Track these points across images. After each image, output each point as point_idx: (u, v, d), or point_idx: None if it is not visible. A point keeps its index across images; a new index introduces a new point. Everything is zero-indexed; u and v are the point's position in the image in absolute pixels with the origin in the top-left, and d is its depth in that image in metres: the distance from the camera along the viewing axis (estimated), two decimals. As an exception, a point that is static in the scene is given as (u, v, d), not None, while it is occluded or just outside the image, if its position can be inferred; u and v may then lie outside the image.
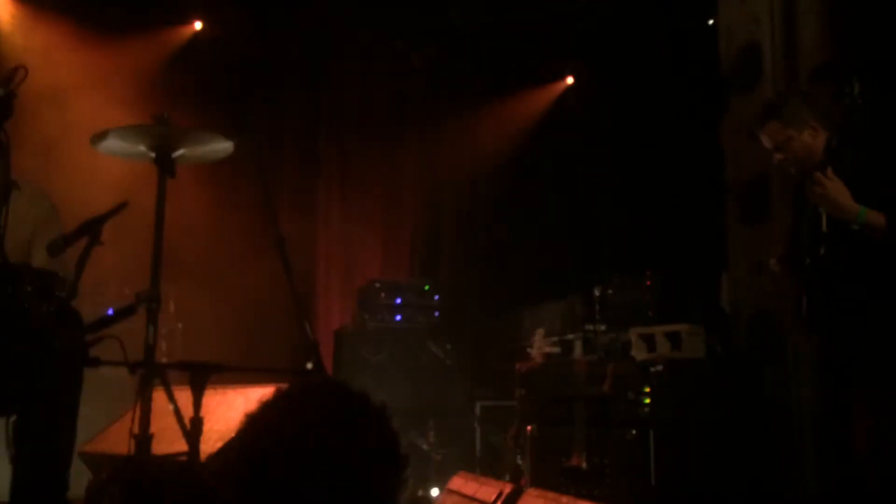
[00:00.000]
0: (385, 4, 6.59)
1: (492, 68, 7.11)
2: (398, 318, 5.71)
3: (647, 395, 4.09)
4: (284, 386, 1.61)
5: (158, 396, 2.75)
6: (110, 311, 4.51)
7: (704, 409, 4.27)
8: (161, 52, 6.07)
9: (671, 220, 6.04)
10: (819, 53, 4.75)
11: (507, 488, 2.96)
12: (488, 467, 5.04)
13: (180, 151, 2.84)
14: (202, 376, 2.56)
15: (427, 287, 5.87)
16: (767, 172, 4.77)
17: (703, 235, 5.60)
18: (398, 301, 5.72)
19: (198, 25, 6.51)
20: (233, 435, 3.16)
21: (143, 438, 2.56)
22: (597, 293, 5.01)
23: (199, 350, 4.63)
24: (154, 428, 2.70)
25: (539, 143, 7.14)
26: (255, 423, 1.43)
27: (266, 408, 1.44)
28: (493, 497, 2.94)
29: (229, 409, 3.43)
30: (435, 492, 4.80)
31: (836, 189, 2.68)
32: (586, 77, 7.17)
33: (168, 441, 2.86)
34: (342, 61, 6.78)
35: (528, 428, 4.13)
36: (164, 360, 3.59)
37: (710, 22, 5.67)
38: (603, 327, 4.95)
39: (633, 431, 3.95)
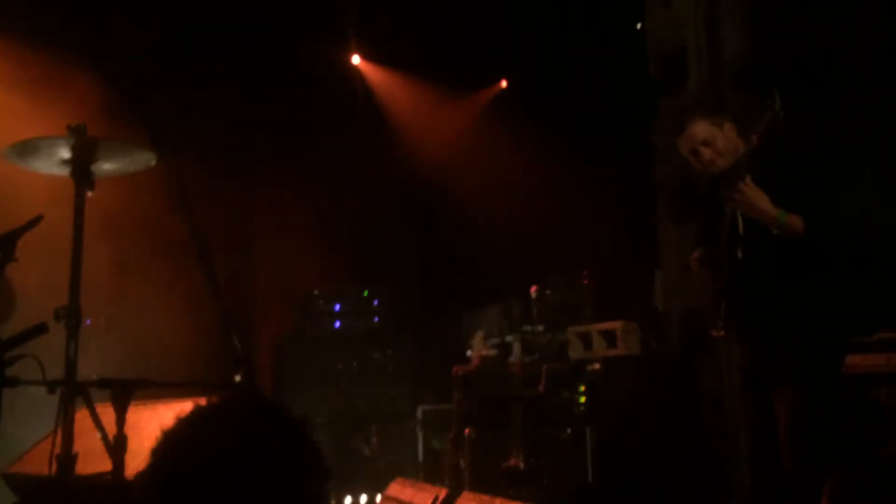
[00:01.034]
0: (321, 9, 6.54)
1: (424, 73, 7.14)
2: (338, 324, 5.68)
3: (582, 393, 4.15)
4: (201, 401, 1.59)
5: (85, 415, 2.68)
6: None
7: (640, 404, 4.36)
8: (75, 59, 5.88)
9: (605, 221, 6.14)
10: (740, 58, 4.90)
11: (443, 493, 2.97)
12: (431, 472, 5.05)
13: (99, 163, 2.76)
14: (125, 393, 2.49)
15: (366, 293, 5.85)
16: (694, 172, 4.89)
17: (637, 235, 5.71)
18: (337, 308, 5.69)
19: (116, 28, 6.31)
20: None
21: (66, 459, 2.48)
22: (534, 294, 5.06)
23: (132, 365, 4.52)
24: (80, 447, 2.62)
25: (474, 145, 7.18)
26: (169, 440, 1.40)
27: (181, 424, 1.41)
28: (430, 501, 2.94)
29: (161, 425, 3.35)
30: (378, 498, 4.78)
31: (756, 196, 2.76)
32: (520, 80, 7.24)
33: (94, 460, 2.78)
34: (275, 64, 6.70)
35: (466, 431, 4.15)
36: (93, 376, 3.48)
37: (638, 26, 5.78)
38: (541, 328, 5.01)
39: (569, 430, 4.00)
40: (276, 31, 6.54)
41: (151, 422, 3.39)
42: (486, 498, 2.77)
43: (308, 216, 7.07)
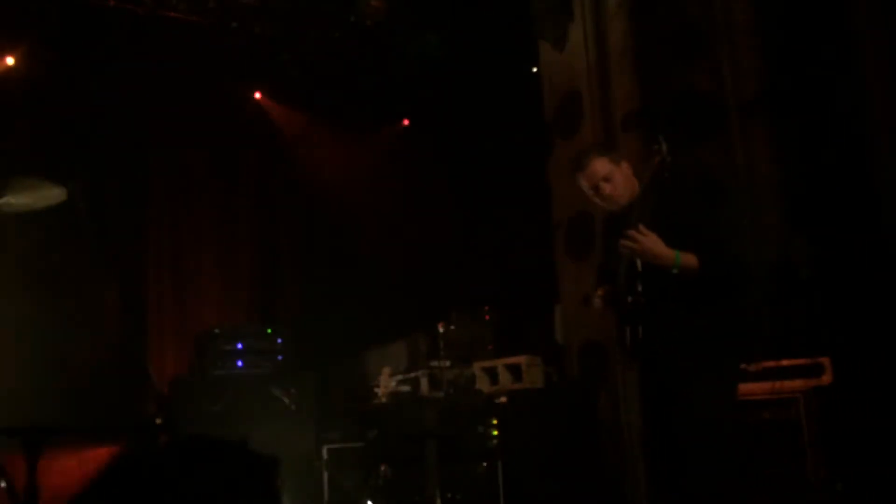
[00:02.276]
0: (218, 48, 6.48)
1: (327, 112, 7.17)
2: (240, 363, 5.52)
3: (495, 426, 4.23)
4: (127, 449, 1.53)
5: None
6: None
7: (545, 435, 4.48)
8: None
9: (507, 257, 6.32)
10: (630, 102, 5.21)
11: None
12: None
13: (4, 199, 2.64)
14: (37, 442, 2.37)
15: (269, 331, 5.72)
16: (590, 210, 5.14)
17: (537, 271, 5.90)
18: (239, 346, 5.53)
19: (10, 61, 6.05)
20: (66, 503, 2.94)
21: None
22: (440, 330, 5.13)
23: (20, 412, 4.23)
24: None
25: (377, 184, 7.24)
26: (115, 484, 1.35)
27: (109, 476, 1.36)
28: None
29: (62, 475, 3.18)
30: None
31: (650, 241, 2.93)
32: (421, 121, 7.39)
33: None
34: (173, 102, 6.55)
35: (382, 468, 4.14)
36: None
37: (535, 70, 6.04)
38: (447, 363, 5.08)
39: (484, 464, 4.06)
40: (177, 64, 6.42)
41: (51, 472, 3.21)
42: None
43: (205, 251, 6.90)
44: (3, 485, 2.36)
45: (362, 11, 6.37)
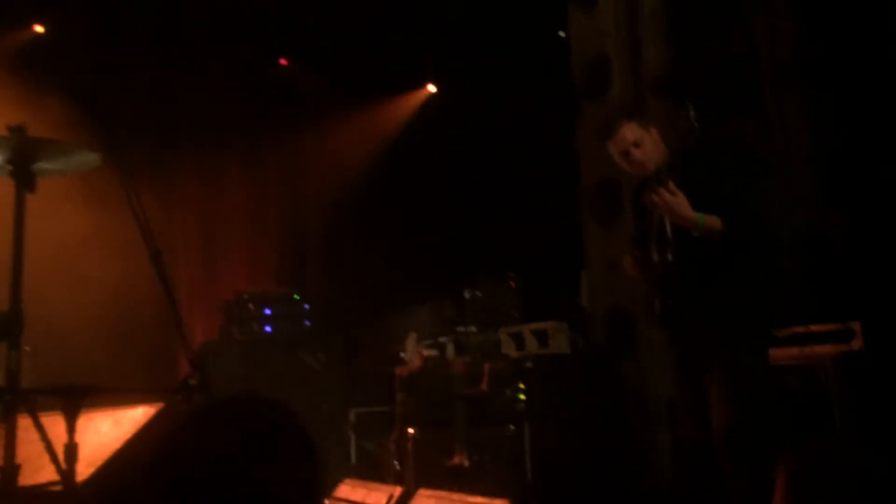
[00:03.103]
0: (240, 16, 6.46)
1: (352, 78, 7.13)
2: (268, 328, 5.60)
3: (522, 391, 4.26)
4: (150, 409, 1.56)
5: (21, 424, 2.58)
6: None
7: (571, 401, 4.50)
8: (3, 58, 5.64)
9: (533, 222, 6.30)
10: (661, 66, 5.13)
11: (397, 491, 3.00)
12: (365, 475, 5.05)
13: (40, 164, 2.68)
14: (75, 401, 2.43)
15: (296, 297, 5.79)
16: (618, 176, 5.10)
17: (563, 236, 5.88)
18: (267, 312, 5.61)
19: (39, 29, 6.09)
20: (104, 460, 3.01)
21: (10, 470, 2.40)
22: (467, 296, 5.15)
23: (61, 370, 4.34)
24: (18, 458, 2.53)
25: (403, 149, 7.23)
26: (172, 446, 1.39)
27: (183, 430, 1.40)
28: (385, 501, 2.96)
29: (96, 433, 3.25)
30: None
31: (677, 201, 2.92)
32: (447, 85, 7.33)
33: (32, 471, 2.69)
34: (198, 71, 6.57)
35: (410, 431, 4.19)
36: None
37: (561, 34, 5.96)
38: (473, 328, 5.10)
39: (512, 427, 4.10)
40: (200, 31, 6.42)
41: (86, 431, 3.28)
42: (443, 494, 2.82)
43: (233, 218, 6.96)
44: (45, 443, 2.42)
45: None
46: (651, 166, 3.17)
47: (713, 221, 2.94)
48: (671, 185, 2.96)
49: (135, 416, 3.18)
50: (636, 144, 3.15)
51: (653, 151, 3.17)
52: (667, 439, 4.47)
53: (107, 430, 3.26)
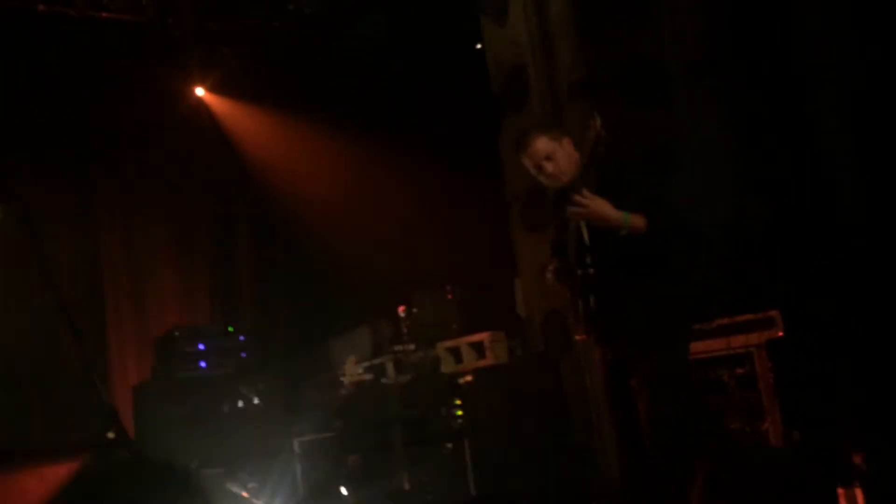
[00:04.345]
0: (156, 46, 6.36)
1: (272, 102, 7.07)
2: (203, 364, 5.48)
3: (459, 407, 4.26)
4: (83, 467, 1.52)
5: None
6: None
7: (512, 410, 4.52)
8: None
9: (466, 235, 6.32)
10: (575, 72, 5.22)
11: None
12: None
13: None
14: (-14, 466, 2.33)
15: (231, 329, 5.68)
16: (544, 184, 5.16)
17: (496, 246, 5.92)
18: (201, 347, 5.49)
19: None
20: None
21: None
22: (402, 313, 5.14)
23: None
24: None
25: (327, 170, 7.17)
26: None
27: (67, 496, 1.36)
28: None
29: (21, 495, 3.14)
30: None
31: (598, 204, 2.97)
32: (368, 103, 7.32)
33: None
34: (114, 104, 6.42)
35: (351, 458, 4.15)
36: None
37: (479, 46, 6.01)
38: (412, 346, 5.09)
39: (449, 445, 4.09)
40: (114, 65, 6.29)
41: (10, 495, 3.17)
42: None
43: (161, 253, 6.81)
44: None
45: (299, 1, 6.29)
46: (565, 179, 3.21)
47: (637, 220, 2.99)
48: (585, 192, 3.00)
49: (59, 473, 3.08)
50: (548, 158, 3.19)
51: (565, 163, 3.21)
52: (611, 437, 4.53)
53: (33, 489, 3.14)
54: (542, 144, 3.21)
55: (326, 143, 7.36)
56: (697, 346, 3.84)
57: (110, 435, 2.42)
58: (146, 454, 2.45)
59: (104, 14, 6.08)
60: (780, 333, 3.81)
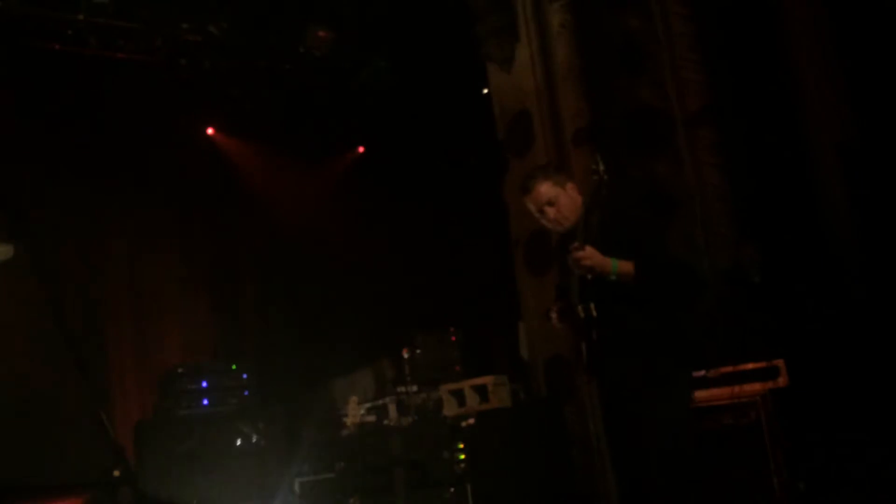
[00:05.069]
0: (167, 86, 6.47)
1: (282, 143, 7.16)
2: (205, 402, 5.46)
3: (461, 451, 4.24)
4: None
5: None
6: None
7: (514, 454, 4.50)
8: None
9: (469, 277, 6.35)
10: (579, 118, 5.30)
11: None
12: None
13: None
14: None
15: (234, 367, 5.67)
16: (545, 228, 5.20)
17: (499, 289, 5.94)
18: (204, 384, 5.48)
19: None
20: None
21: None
22: (405, 355, 5.14)
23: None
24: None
25: (334, 212, 7.24)
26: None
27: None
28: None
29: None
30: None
31: (587, 253, 3.01)
32: (376, 147, 7.42)
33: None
34: (124, 142, 6.51)
35: (352, 500, 4.12)
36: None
37: (485, 91, 6.11)
38: (414, 388, 5.08)
39: (452, 489, 4.07)
40: (126, 104, 6.40)
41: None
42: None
43: (165, 291, 6.83)
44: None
45: (310, 42, 6.41)
46: (567, 224, 3.26)
47: (625, 266, 3.03)
48: (576, 243, 3.05)
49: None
50: (550, 203, 3.25)
51: (568, 209, 3.26)
52: (613, 482, 4.49)
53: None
54: (545, 189, 3.26)
55: (332, 185, 7.45)
56: (702, 395, 3.85)
57: (116, 473, 2.43)
58: (148, 492, 2.45)
59: (119, 55, 6.20)
60: (785, 382, 3.81)
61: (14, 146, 5.72)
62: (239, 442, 5.38)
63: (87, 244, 6.49)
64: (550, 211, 3.23)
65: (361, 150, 7.56)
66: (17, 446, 4.63)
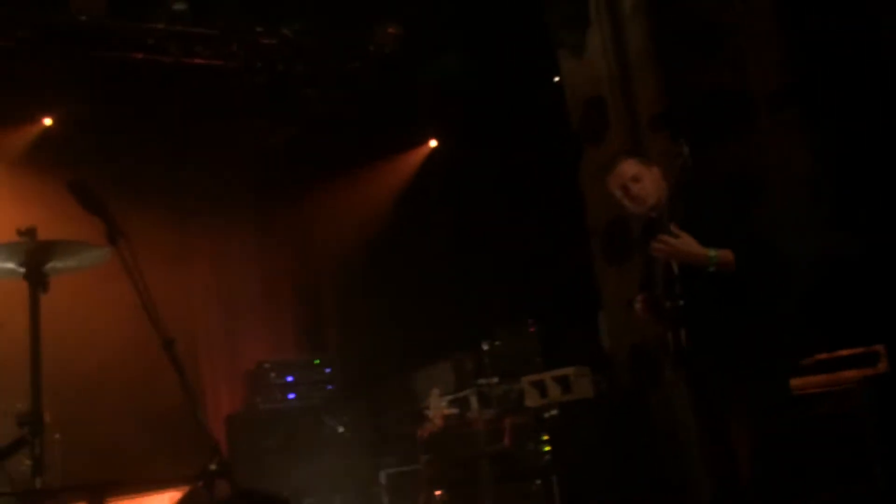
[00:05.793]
0: (239, 87, 6.63)
1: (355, 138, 7.24)
2: (291, 396, 5.61)
3: (546, 442, 4.21)
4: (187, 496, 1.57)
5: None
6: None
7: (599, 446, 4.45)
8: (11, 154, 5.84)
9: (545, 268, 6.30)
10: (655, 103, 5.18)
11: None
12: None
13: (51, 264, 2.74)
14: (100, 496, 2.45)
15: (317, 361, 5.81)
16: (626, 215, 5.11)
17: (578, 279, 5.87)
18: (290, 379, 5.63)
19: (47, 122, 6.29)
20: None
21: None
22: (485, 347, 5.14)
23: (82, 461, 4.37)
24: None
25: (410, 205, 7.30)
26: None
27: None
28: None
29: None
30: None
31: (683, 242, 2.92)
32: (449, 139, 7.43)
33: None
34: (206, 145, 6.71)
35: (437, 493, 4.16)
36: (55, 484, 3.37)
37: (556, 79, 6.03)
38: (495, 379, 5.08)
39: (538, 482, 4.05)
40: (199, 107, 6.58)
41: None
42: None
43: (248, 289, 7.02)
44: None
45: (379, 39, 6.46)
46: (650, 202, 3.17)
47: (725, 255, 2.93)
48: (673, 227, 2.96)
49: (161, 502, 3.21)
50: (635, 179, 3.17)
51: (652, 187, 3.17)
52: (703, 475, 4.39)
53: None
54: (629, 166, 3.20)
55: (407, 179, 7.50)
56: (797, 382, 3.72)
57: (212, 466, 2.51)
58: (241, 484, 2.52)
59: (197, 60, 6.39)
60: (885, 368, 3.64)
61: (104, 153, 5.97)
62: (325, 435, 5.50)
63: (174, 248, 6.73)
64: (634, 187, 3.14)
65: (434, 143, 7.57)
66: (119, 444, 4.88)
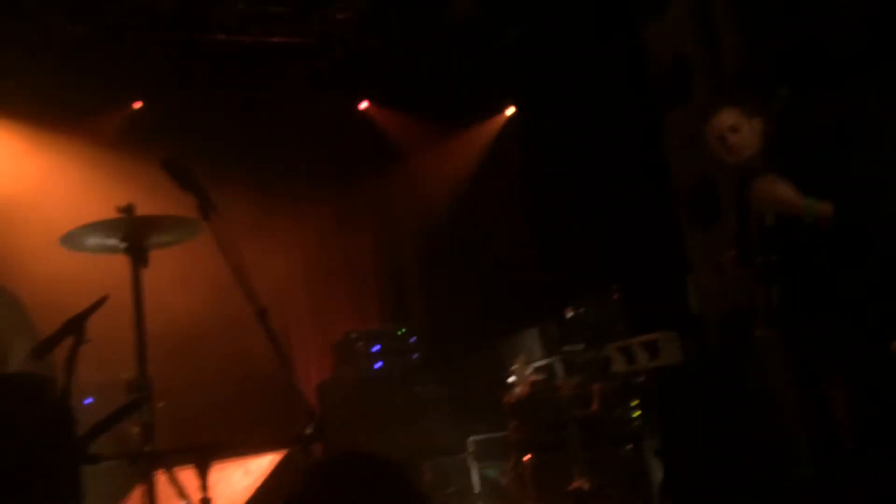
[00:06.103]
0: (318, 58, 6.72)
1: (432, 108, 7.25)
2: (378, 365, 5.73)
3: (636, 408, 4.17)
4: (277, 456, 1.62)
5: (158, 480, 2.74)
6: (88, 400, 4.49)
7: (692, 412, 4.37)
8: (107, 138, 6.11)
9: (631, 232, 6.19)
10: (740, 60, 4.99)
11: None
12: (490, 502, 5.06)
13: (150, 239, 2.86)
14: (206, 458, 2.57)
15: (402, 331, 5.90)
16: (712, 175, 4.96)
17: (662, 243, 5.76)
18: (376, 348, 5.75)
19: (137, 105, 6.55)
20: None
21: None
22: (569, 314, 5.11)
23: (184, 428, 4.59)
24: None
25: (490, 173, 7.27)
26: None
27: (306, 486, 1.48)
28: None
29: (228, 485, 3.43)
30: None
31: (780, 189, 2.81)
32: (527, 105, 7.34)
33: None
34: (286, 123, 6.85)
35: (526, 458, 4.18)
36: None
37: (636, 42, 5.87)
38: (581, 346, 5.05)
39: (629, 446, 4.02)
40: (286, 84, 6.71)
41: (220, 482, 3.45)
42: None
43: (332, 262, 7.18)
44: (177, 492, 2.57)
45: (452, 10, 6.42)
46: (747, 153, 3.06)
47: (825, 207, 2.80)
48: (771, 175, 2.85)
49: (262, 465, 3.34)
50: (733, 129, 3.06)
51: (751, 138, 3.07)
52: (801, 439, 4.28)
53: (238, 480, 3.43)
54: (728, 115, 3.10)
55: (485, 147, 7.47)
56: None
57: (308, 431, 2.59)
58: (335, 448, 2.60)
59: (275, 39, 6.51)
60: None
61: (190, 133, 6.17)
62: (412, 402, 5.60)
63: (259, 221, 6.92)
64: (732, 137, 3.04)
65: (511, 110, 7.50)
66: (218, 411, 5.11)
